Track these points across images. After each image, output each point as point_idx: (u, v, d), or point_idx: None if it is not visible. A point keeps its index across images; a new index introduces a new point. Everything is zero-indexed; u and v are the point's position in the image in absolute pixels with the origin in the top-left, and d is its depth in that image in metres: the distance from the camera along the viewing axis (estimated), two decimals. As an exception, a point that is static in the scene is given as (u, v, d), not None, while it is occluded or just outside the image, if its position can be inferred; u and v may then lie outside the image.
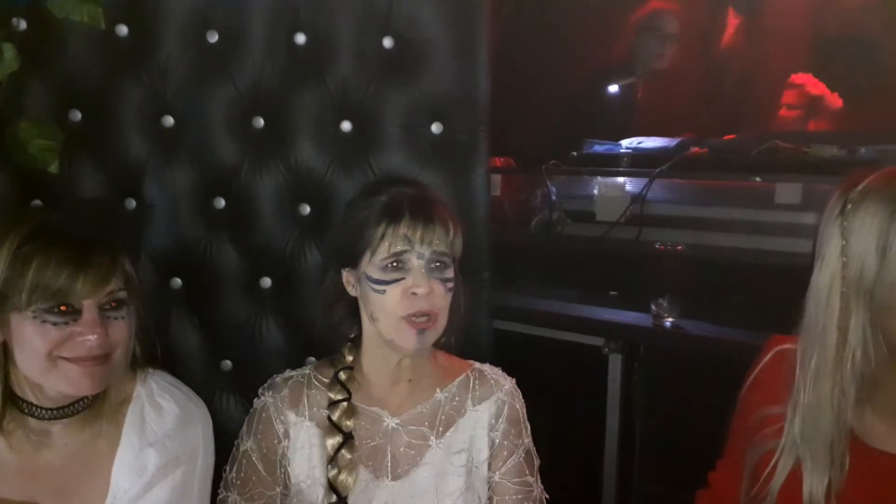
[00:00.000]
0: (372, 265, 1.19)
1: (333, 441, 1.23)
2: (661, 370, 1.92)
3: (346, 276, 1.25)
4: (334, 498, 1.21)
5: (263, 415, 1.27)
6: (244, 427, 1.30)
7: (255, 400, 1.30)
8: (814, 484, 1.06)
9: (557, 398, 2.00)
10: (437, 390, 1.29)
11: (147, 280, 1.51)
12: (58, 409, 1.15)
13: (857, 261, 1.00)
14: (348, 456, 1.22)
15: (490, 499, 1.30)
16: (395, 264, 1.18)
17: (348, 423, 1.23)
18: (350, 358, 1.27)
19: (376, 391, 1.28)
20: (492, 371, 1.34)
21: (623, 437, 1.96)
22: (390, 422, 1.26)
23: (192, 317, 1.57)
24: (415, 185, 1.27)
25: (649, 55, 3.01)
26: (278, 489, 1.27)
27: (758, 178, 2.13)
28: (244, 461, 1.27)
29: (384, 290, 1.18)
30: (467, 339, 1.43)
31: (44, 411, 1.14)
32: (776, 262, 1.97)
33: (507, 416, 1.29)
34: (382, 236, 1.18)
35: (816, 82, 3.00)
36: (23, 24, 1.44)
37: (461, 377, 1.31)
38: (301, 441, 1.25)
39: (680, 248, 1.91)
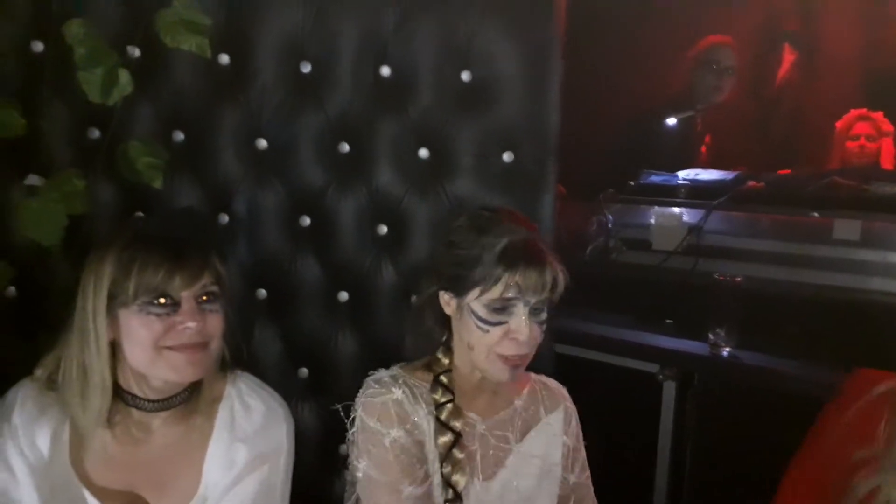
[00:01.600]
0: (478, 303, 1.23)
1: (445, 439, 1.26)
2: (715, 398, 1.93)
3: (446, 297, 1.28)
4: (450, 494, 1.26)
5: (404, 406, 1.26)
6: (376, 424, 1.25)
7: (379, 397, 1.26)
8: None
9: (611, 422, 2.02)
10: (514, 399, 1.38)
11: (235, 290, 1.60)
12: (159, 401, 1.23)
13: None
14: (459, 455, 1.27)
15: (566, 496, 1.39)
16: (502, 308, 1.22)
17: (456, 423, 1.27)
18: (447, 361, 1.31)
19: (466, 397, 1.33)
20: (550, 381, 1.44)
21: (675, 464, 1.97)
22: (480, 426, 1.33)
23: (275, 326, 1.66)
24: (527, 229, 1.27)
25: (707, 89, 3.04)
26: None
27: (816, 214, 2.14)
28: (396, 453, 1.23)
29: (488, 330, 1.23)
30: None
31: (147, 403, 1.23)
32: (834, 296, 1.99)
33: (575, 421, 1.42)
34: (497, 280, 1.21)
35: (886, 120, 3.00)
36: (137, 52, 1.55)
37: (528, 387, 1.41)
38: (428, 435, 1.28)
39: (739, 279, 1.93)
